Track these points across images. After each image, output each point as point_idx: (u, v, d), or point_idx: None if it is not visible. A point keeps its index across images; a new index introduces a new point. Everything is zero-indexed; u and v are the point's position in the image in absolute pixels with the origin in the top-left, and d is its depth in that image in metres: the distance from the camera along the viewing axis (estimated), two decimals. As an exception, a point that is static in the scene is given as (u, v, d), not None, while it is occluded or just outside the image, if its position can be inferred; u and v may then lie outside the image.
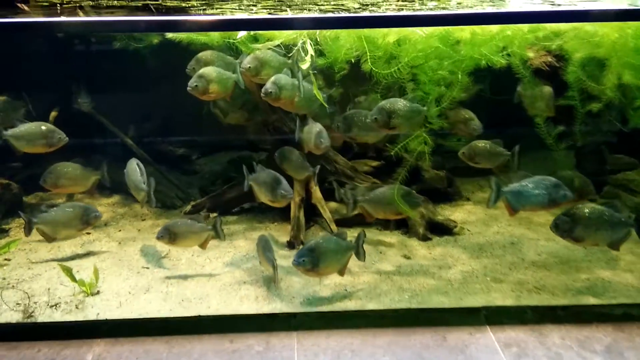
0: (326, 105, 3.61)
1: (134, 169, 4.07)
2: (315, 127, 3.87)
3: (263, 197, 3.84)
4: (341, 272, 3.52)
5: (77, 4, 4.40)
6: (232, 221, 5.06)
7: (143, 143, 5.59)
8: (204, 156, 6.23)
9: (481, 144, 3.99)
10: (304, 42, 3.41)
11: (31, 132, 3.88)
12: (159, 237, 3.86)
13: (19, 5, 4.30)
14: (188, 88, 3.81)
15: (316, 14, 3.45)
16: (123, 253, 4.38)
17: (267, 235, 3.98)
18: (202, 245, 3.94)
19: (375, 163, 5.27)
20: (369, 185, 4.53)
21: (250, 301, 3.72)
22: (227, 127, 5.21)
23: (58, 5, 4.37)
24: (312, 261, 3.28)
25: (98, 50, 5.16)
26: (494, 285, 3.89)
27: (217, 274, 4.07)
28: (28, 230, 3.93)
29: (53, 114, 4.93)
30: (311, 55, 3.42)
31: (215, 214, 5.13)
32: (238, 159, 5.84)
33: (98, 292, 3.80)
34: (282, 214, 5.02)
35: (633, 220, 3.37)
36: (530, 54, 3.37)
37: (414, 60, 3.28)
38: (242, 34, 3.78)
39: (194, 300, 3.72)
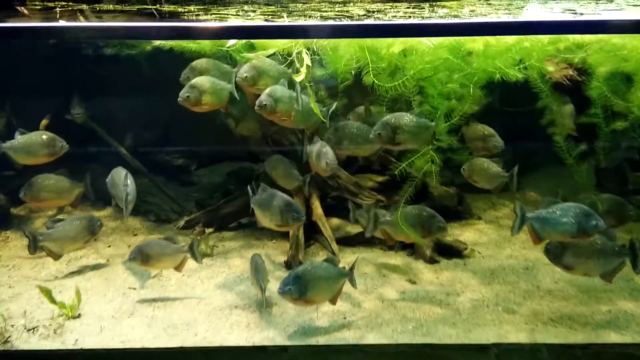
0: (324, 120, 3.33)
1: (116, 178, 3.84)
2: (319, 147, 3.58)
3: (267, 221, 3.49)
4: (333, 301, 3.24)
5: (73, 8, 4.20)
6: (228, 237, 4.81)
7: (139, 153, 5.38)
8: (203, 167, 6.00)
9: (479, 162, 3.66)
10: (299, 52, 3.15)
11: (31, 143, 3.72)
12: (131, 259, 3.63)
13: (18, 8, 4.12)
14: (179, 99, 3.58)
15: (318, 22, 3.20)
16: (110, 271, 4.14)
17: (260, 254, 3.71)
18: (178, 268, 3.69)
19: (380, 178, 4.97)
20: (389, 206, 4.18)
21: (241, 329, 3.45)
22: (228, 137, 4.98)
23: (57, 9, 4.18)
24: (299, 289, 2.99)
25: (91, 56, 4.94)
26: (506, 316, 3.58)
27: (208, 296, 3.81)
28: (33, 249, 3.76)
29: (44, 122, 4.73)
30: (307, 65, 3.15)
31: (211, 229, 4.90)
32: (238, 171, 5.61)
33: (79, 315, 3.56)
34: (281, 232, 4.75)
35: (627, 249, 3.04)
36: (550, 67, 3.06)
37: (421, 72, 3.00)
38: (232, 41, 3.53)
39: (180, 327, 3.46)
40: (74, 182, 3.97)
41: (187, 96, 3.57)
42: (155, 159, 5.70)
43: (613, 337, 3.35)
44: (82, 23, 3.69)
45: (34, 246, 3.74)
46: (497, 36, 2.82)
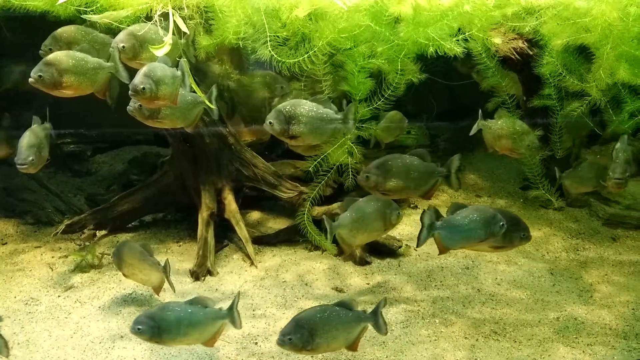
0: (212, 107, 2.58)
1: None
2: None
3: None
4: (352, 348, 2.54)
5: None
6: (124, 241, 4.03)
7: (14, 137, 4.44)
8: (102, 152, 5.12)
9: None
10: (163, 14, 2.34)
11: None
12: None
13: None
14: (30, 79, 2.69)
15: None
16: (-38, 295, 3.31)
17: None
18: None
19: (305, 164, 4.30)
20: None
21: (124, 367, 2.77)
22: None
23: None
24: (302, 339, 2.31)
25: None
26: (443, 330, 3.09)
27: (86, 325, 3.08)
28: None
29: None
30: (178, 32, 2.37)
31: (103, 232, 4.09)
32: (141, 158, 4.79)
33: None
34: (190, 231, 4.05)
35: None
36: (497, 39, 2.45)
37: (333, 43, 2.31)
38: None
39: (43, 371, 2.73)
40: None
41: (39, 76, 2.69)
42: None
43: (562, 351, 2.92)
44: None
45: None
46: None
